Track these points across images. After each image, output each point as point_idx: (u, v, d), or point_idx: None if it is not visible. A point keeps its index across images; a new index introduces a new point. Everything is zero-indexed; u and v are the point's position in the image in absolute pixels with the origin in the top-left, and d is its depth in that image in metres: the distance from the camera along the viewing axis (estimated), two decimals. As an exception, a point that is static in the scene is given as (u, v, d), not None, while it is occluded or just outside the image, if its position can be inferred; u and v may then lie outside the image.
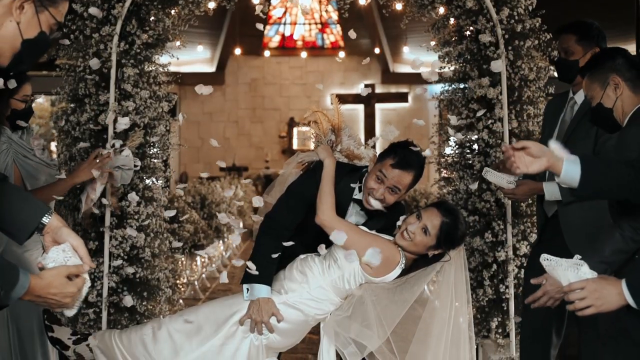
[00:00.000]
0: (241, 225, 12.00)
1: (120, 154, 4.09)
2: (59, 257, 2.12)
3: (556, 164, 2.47)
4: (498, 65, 4.52)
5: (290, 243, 3.33)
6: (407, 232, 3.23)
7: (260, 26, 4.66)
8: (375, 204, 3.32)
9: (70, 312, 2.17)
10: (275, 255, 3.30)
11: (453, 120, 4.63)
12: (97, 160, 3.86)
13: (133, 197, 4.47)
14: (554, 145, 2.48)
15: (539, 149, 2.46)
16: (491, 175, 3.91)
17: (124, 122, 4.17)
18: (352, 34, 3.93)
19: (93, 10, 4.45)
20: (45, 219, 2.20)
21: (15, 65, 2.18)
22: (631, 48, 9.60)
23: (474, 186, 4.57)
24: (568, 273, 2.35)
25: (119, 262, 4.51)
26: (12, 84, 3.49)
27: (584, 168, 2.46)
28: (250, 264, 3.26)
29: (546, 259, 2.43)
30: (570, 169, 2.45)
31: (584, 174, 2.45)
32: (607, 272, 2.78)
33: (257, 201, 3.51)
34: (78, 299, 2.14)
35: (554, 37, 4.32)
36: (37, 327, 3.71)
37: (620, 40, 10.39)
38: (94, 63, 4.45)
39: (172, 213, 4.42)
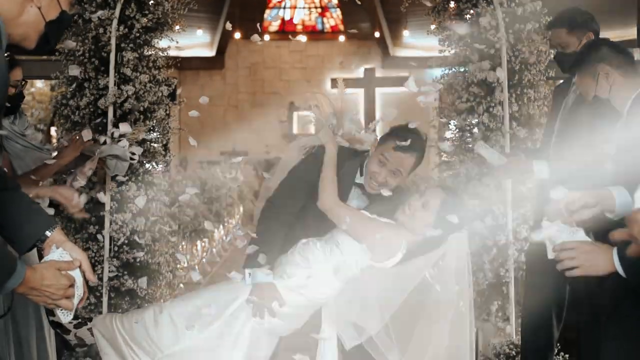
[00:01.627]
0: (242, 209, 12.01)
1: (117, 144, 4.07)
2: (55, 256, 2.15)
3: (609, 204, 2.48)
4: (499, 74, 4.50)
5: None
6: (409, 207, 3.23)
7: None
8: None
9: (65, 318, 2.19)
10: (277, 240, 3.30)
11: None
12: (77, 138, 3.80)
13: (140, 200, 4.46)
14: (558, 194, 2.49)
15: (594, 200, 2.48)
16: (484, 149, 3.90)
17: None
18: (352, 31, 4.01)
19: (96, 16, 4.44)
20: (48, 232, 2.21)
21: (42, 47, 2.20)
22: (632, 32, 9.57)
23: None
24: (563, 235, 2.40)
25: (114, 272, 4.53)
26: None
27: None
28: (261, 257, 3.24)
29: (545, 222, 2.47)
30: (623, 201, 2.46)
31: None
32: None
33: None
34: (72, 301, 2.14)
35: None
36: (33, 311, 3.70)
37: (621, 25, 10.35)
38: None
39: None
